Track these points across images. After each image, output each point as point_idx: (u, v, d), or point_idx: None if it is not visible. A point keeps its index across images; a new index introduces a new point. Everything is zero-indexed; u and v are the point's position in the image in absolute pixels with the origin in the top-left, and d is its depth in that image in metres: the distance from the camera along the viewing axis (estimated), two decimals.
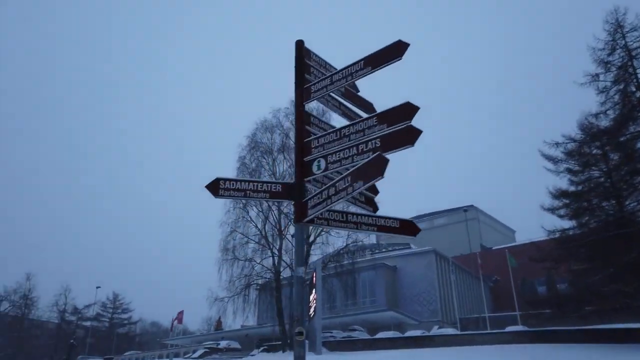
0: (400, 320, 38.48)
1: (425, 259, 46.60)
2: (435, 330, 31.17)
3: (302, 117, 5.20)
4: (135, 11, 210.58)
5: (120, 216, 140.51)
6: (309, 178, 4.91)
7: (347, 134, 4.65)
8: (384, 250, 51.87)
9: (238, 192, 5.00)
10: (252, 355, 28.73)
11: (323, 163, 4.72)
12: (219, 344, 36.67)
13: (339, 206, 4.56)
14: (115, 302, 71.24)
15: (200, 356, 31.71)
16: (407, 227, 4.76)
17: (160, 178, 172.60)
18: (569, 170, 24.16)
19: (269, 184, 5.12)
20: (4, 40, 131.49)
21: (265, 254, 30.31)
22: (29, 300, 61.57)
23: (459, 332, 27.86)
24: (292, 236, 30.68)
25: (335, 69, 5.37)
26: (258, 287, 31.67)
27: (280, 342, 29.36)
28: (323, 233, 30.22)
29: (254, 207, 31.15)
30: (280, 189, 5.08)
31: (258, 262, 30.27)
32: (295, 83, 5.38)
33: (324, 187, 4.50)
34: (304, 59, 5.46)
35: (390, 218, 4.80)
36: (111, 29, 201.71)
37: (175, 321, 55.34)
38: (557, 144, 22.78)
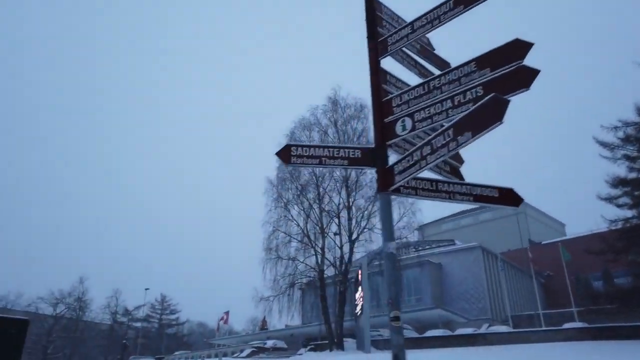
0: (448, 319, 37.39)
1: (471, 255, 45.22)
2: (487, 328, 30.06)
3: (378, 75, 4.66)
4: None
5: (164, 216, 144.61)
6: (391, 141, 4.41)
7: (437, 85, 4.08)
8: (427, 247, 50.76)
9: (312, 160, 4.60)
10: (299, 355, 28.54)
11: (409, 122, 4.19)
12: (265, 343, 36.79)
13: (425, 174, 4.08)
14: (163, 303, 73.15)
15: (248, 355, 31.86)
16: (508, 196, 4.20)
17: (205, 180, 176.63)
18: (627, 157, 22.78)
19: (347, 150, 4.64)
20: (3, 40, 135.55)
21: (308, 252, 30.09)
22: (83, 303, 64.01)
23: (513, 330, 26.66)
24: (335, 234, 30.34)
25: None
26: (302, 286, 31.49)
27: (327, 342, 29.05)
28: (366, 230, 29.76)
29: (295, 206, 31.06)
30: (359, 155, 4.60)
31: (301, 261, 30.10)
32: (368, 37, 4.90)
33: (415, 147, 3.97)
34: (375, 11, 4.93)
35: (487, 186, 4.25)
36: (149, 23, 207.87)
37: (221, 321, 56.30)
38: (615, 128, 21.40)
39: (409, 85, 4.79)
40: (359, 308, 24.31)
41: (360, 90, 49.10)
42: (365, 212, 29.67)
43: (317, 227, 30.09)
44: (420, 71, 5.10)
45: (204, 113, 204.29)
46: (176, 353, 48.48)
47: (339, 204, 30.09)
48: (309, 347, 30.10)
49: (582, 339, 22.11)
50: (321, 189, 30.73)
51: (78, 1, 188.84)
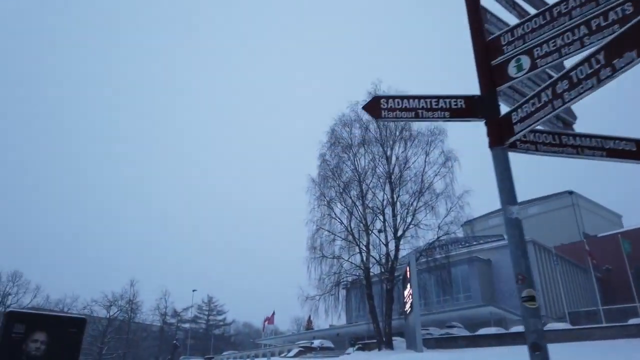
0: (501, 316, 36.00)
1: None
2: (547, 325, 28.68)
3: (478, 12, 4.09)
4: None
5: (208, 217, 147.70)
6: (504, 85, 3.82)
7: (563, 11, 3.39)
8: (474, 243, 49.22)
9: (406, 112, 4.07)
10: (347, 354, 28.14)
11: (526, 61, 3.55)
12: (312, 343, 36.65)
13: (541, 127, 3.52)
14: (210, 304, 74.57)
15: (296, 355, 31.76)
16: None
17: (245, 179, 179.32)
18: None
19: (448, 99, 4.03)
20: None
21: (353, 250, 29.62)
22: (134, 305, 66.05)
23: (572, 327, 25.24)
24: (379, 231, 29.75)
25: None
26: (347, 285, 31.01)
27: (375, 341, 28.51)
28: (411, 227, 29.00)
29: (338, 204, 30.67)
30: (463, 105, 3.99)
31: (346, 259, 29.66)
32: None
33: (546, 84, 3.34)
34: None
35: (623, 139, 3.63)
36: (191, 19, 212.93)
37: (267, 322, 56.69)
38: None
39: (507, 25, 4.20)
40: (408, 306, 23.63)
41: (401, 82, 48.16)
42: (410, 208, 28.92)
43: (361, 225, 29.58)
44: (521, 13, 4.44)
45: (243, 113, 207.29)
46: (224, 353, 49.15)
47: (383, 200, 29.47)
48: (356, 347, 29.64)
49: None
50: (364, 186, 30.21)
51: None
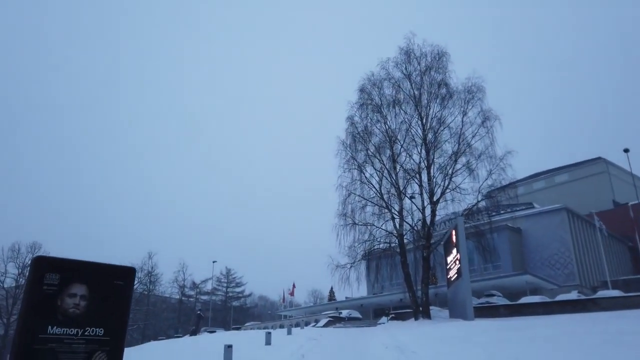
0: (536, 285, 34.56)
1: (556, 218, 41.69)
2: (577, 295, 27.07)
3: None
4: None
5: (226, 190, 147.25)
6: None
7: None
8: (502, 212, 47.45)
9: None
10: (381, 324, 26.93)
11: None
12: (341, 313, 35.59)
13: None
14: (229, 276, 74.10)
15: (325, 325, 30.67)
16: None
17: (264, 147, 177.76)
18: None
19: None
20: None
21: (385, 217, 28.02)
22: (153, 277, 65.71)
23: (628, 294, 23.61)
24: (411, 197, 28.04)
25: None
26: (380, 253, 29.33)
27: (409, 310, 27.21)
28: (448, 191, 27.23)
29: (369, 168, 28.93)
30: None
31: (379, 226, 28.10)
32: None
33: None
34: None
35: None
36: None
37: (289, 294, 55.98)
38: None
39: None
40: (453, 272, 22.10)
41: (438, 36, 45.46)
42: (448, 171, 27.11)
43: (394, 190, 27.91)
44: None
45: (268, 75, 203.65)
46: (247, 324, 48.53)
47: (419, 163, 27.65)
48: (390, 317, 28.37)
49: None
50: (396, 148, 28.41)
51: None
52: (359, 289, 34.46)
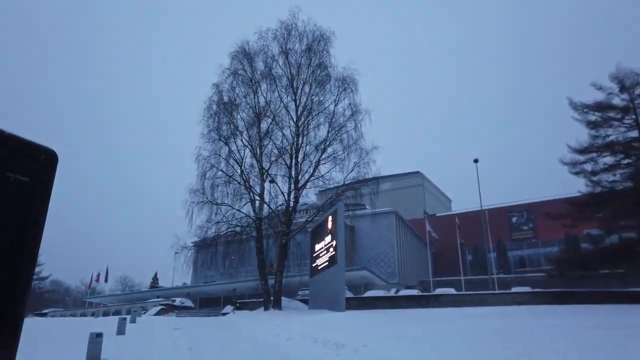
0: (369, 280, 36.23)
1: (386, 220, 44.71)
2: (396, 292, 28.92)
3: None
4: None
5: None
6: None
7: None
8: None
9: None
10: (226, 314, 24.52)
11: None
12: (174, 301, 31.72)
13: None
14: None
15: (158, 314, 26.73)
16: None
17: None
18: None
19: None
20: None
21: (245, 198, 25.90)
22: None
23: (465, 292, 25.86)
24: (271, 181, 26.50)
25: None
26: (230, 238, 26.86)
27: (257, 300, 25.48)
28: (313, 178, 26.42)
29: (233, 144, 26.42)
30: None
31: (237, 208, 25.83)
32: None
33: None
34: None
35: None
36: None
37: (97, 280, 48.78)
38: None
39: None
40: (323, 260, 21.05)
41: (324, 16, 44.47)
42: (315, 157, 26.35)
43: (258, 169, 25.98)
44: None
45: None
46: (47, 310, 40.33)
47: (290, 146, 26.19)
48: (234, 307, 26.10)
49: (530, 303, 21.98)
50: (264, 126, 26.56)
51: None
52: (196, 275, 31.30)
